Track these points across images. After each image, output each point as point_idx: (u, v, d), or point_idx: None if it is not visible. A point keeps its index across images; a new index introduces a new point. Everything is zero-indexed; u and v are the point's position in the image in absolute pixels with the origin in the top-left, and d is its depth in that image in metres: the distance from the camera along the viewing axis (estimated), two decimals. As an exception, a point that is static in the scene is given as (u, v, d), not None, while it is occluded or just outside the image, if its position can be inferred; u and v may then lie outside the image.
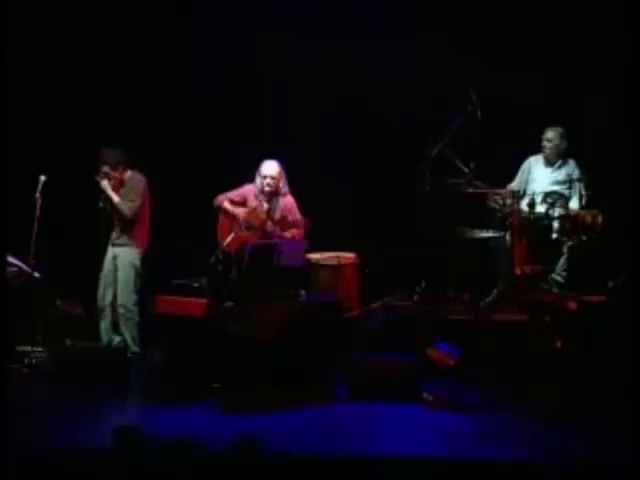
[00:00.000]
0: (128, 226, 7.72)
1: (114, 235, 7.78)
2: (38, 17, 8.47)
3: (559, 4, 8.31)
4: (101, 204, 7.73)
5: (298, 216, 7.66)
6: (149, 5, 8.74)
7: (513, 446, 5.64)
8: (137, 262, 7.72)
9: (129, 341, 7.67)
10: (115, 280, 7.73)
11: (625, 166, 5.78)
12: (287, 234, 7.63)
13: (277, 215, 7.67)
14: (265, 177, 7.68)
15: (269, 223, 7.62)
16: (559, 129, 8.07)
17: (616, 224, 7.40)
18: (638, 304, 5.63)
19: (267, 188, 7.67)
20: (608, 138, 7.89)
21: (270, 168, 7.69)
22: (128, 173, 7.75)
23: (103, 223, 7.81)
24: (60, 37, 8.50)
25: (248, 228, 7.62)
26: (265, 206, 7.67)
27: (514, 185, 8.17)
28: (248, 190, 7.80)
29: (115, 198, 7.67)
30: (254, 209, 7.63)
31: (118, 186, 7.71)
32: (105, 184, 7.66)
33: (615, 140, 7.11)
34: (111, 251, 7.78)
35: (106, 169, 7.67)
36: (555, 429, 5.97)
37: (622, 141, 5.92)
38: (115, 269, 7.74)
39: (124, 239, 7.73)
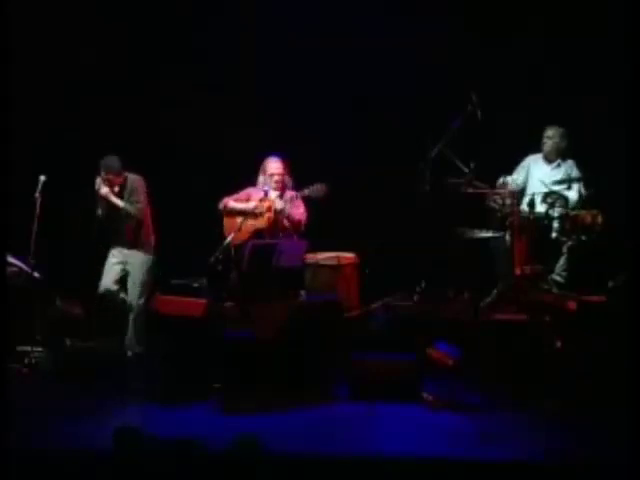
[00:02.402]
0: (135, 230, 7.74)
1: (120, 242, 7.75)
2: (38, 17, 8.48)
3: (559, 4, 8.32)
4: (99, 212, 7.71)
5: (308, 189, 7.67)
6: (149, 5, 8.74)
7: (513, 446, 5.63)
8: (150, 264, 7.76)
9: (133, 340, 7.67)
10: (123, 277, 7.77)
11: (625, 166, 5.79)
12: (295, 212, 7.65)
13: (286, 197, 7.71)
14: (272, 175, 7.71)
15: (279, 201, 7.62)
16: (561, 129, 8.05)
17: (616, 224, 7.39)
18: (638, 304, 5.65)
19: (276, 185, 7.69)
20: (608, 138, 7.88)
21: (276, 165, 7.73)
22: (125, 175, 7.75)
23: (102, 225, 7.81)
24: (60, 37, 8.51)
25: (258, 214, 7.63)
26: (272, 196, 7.67)
27: (514, 178, 8.14)
28: (251, 191, 7.83)
29: (120, 203, 7.67)
30: (260, 200, 7.63)
31: (119, 190, 7.71)
32: (107, 192, 7.66)
33: (615, 140, 7.12)
34: (119, 257, 7.75)
35: (111, 177, 7.65)
36: (555, 429, 5.97)
37: (622, 141, 5.93)
38: (126, 273, 7.76)
39: (133, 244, 7.74)
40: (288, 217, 7.66)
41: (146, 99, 8.75)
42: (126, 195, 7.71)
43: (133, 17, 8.70)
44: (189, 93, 8.79)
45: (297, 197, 7.71)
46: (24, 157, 7.90)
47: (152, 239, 7.83)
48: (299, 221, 7.70)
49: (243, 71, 8.79)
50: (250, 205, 7.70)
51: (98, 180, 7.67)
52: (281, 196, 7.72)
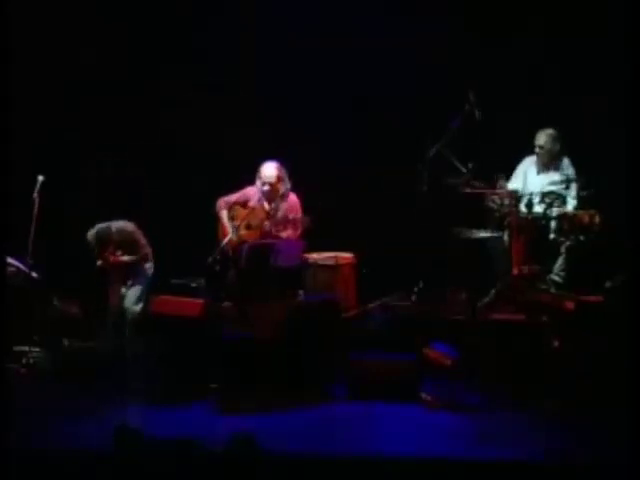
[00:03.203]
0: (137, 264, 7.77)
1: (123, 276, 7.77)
2: (38, 17, 8.48)
3: (559, 4, 8.32)
4: (100, 263, 7.68)
5: (299, 215, 7.65)
6: (149, 5, 8.74)
7: (513, 446, 5.64)
8: (149, 273, 7.75)
9: (130, 340, 7.67)
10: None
11: (625, 166, 5.80)
12: (283, 234, 7.61)
13: (279, 214, 7.66)
14: (264, 183, 7.67)
15: (266, 222, 7.60)
16: (551, 132, 7.95)
17: (614, 224, 7.39)
18: (636, 304, 5.65)
19: (265, 192, 7.65)
20: (608, 138, 7.87)
21: (269, 174, 7.65)
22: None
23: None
24: (60, 37, 8.51)
25: (248, 227, 7.63)
26: (266, 207, 7.65)
27: (511, 186, 8.14)
28: (250, 191, 7.79)
29: (127, 259, 7.67)
30: (254, 209, 7.62)
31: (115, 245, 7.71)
32: (118, 260, 7.66)
33: (615, 140, 7.12)
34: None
35: (109, 244, 7.64)
36: (555, 429, 5.98)
37: (622, 141, 5.94)
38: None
39: (136, 270, 7.75)
40: (275, 237, 7.62)
41: (146, 99, 8.74)
42: (127, 247, 7.66)
43: (133, 17, 8.70)
44: (189, 93, 8.78)
45: (295, 204, 7.65)
46: (24, 157, 7.90)
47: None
48: (287, 237, 7.66)
49: (243, 71, 8.79)
50: (229, 229, 7.61)
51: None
52: (275, 210, 7.67)
